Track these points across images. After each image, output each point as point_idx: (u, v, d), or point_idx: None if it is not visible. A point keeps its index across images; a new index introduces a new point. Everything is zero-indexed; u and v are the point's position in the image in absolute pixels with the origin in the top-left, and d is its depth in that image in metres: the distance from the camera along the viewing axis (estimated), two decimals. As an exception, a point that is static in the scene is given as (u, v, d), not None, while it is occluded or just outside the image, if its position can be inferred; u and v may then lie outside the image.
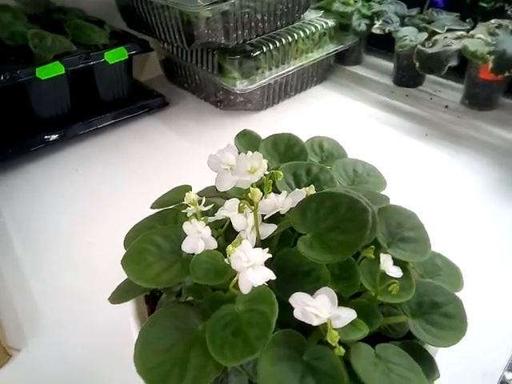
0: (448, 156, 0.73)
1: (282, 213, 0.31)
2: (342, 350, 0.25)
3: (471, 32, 0.77)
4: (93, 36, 0.77)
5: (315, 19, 0.91)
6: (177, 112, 0.89)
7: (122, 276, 0.35)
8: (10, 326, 0.48)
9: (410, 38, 0.84)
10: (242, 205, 0.29)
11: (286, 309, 0.27)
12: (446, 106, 0.86)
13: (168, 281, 0.29)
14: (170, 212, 0.38)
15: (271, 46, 0.81)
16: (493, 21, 0.77)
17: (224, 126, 0.84)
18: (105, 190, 0.68)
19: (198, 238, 0.30)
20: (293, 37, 0.84)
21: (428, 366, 0.29)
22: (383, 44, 1.00)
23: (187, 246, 0.30)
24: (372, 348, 0.28)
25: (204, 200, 0.33)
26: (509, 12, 0.74)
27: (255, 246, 0.29)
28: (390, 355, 0.28)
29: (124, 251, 0.32)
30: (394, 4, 0.93)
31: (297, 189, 0.32)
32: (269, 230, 0.30)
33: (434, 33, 0.82)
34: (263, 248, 0.28)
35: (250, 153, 0.30)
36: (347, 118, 0.85)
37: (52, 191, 0.69)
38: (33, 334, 0.48)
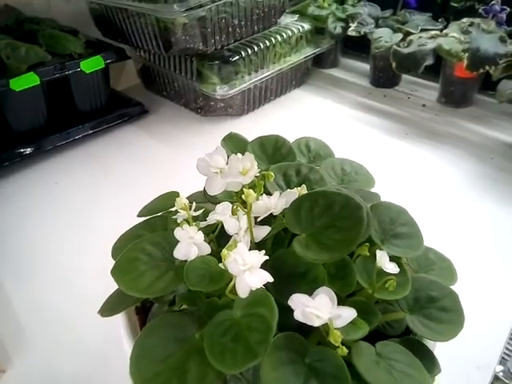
0: (429, 153, 0.74)
1: (274, 214, 0.31)
2: (345, 350, 0.24)
3: (444, 31, 0.79)
4: (67, 45, 0.76)
5: (291, 23, 0.91)
6: (157, 120, 0.88)
7: (108, 289, 0.34)
8: (-8, 347, 0.46)
9: (385, 39, 0.85)
10: (235, 207, 0.29)
11: (284, 311, 0.26)
12: (424, 105, 0.88)
13: (162, 289, 0.28)
14: (158, 219, 0.37)
15: (249, 51, 0.81)
16: (464, 20, 0.79)
17: (206, 132, 0.83)
18: (87, 201, 0.67)
19: (190, 244, 0.29)
20: (270, 41, 0.84)
21: (429, 361, 0.28)
22: (359, 46, 1.02)
23: (180, 253, 0.29)
24: (372, 346, 0.28)
25: (194, 205, 0.32)
26: (480, 10, 0.76)
27: (250, 249, 0.28)
28: (390, 353, 0.27)
29: (110, 263, 0.31)
30: (368, 6, 0.94)
31: (288, 189, 0.32)
32: (263, 232, 0.30)
33: (409, 33, 0.84)
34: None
35: (239, 155, 0.30)
36: (328, 120, 0.85)
37: (32, 205, 0.66)
38: (17, 353, 0.46)
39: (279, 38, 0.85)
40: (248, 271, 0.25)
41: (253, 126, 0.83)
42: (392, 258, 0.31)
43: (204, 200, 0.36)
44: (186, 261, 0.29)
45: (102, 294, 0.34)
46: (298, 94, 0.96)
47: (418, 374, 0.27)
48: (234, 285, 0.27)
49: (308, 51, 0.92)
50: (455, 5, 0.86)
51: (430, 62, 0.77)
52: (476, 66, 0.71)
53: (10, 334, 0.48)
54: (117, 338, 0.33)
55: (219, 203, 0.33)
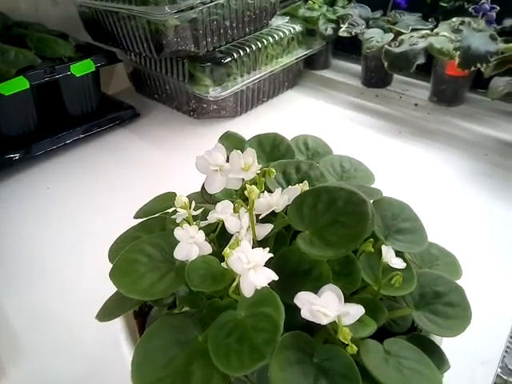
0: (423, 150, 0.74)
1: (276, 211, 0.30)
2: (354, 348, 0.24)
3: (435, 30, 0.80)
4: (57, 49, 0.74)
5: (282, 25, 0.91)
6: (149, 123, 0.87)
7: (105, 293, 0.33)
8: (-14, 358, 0.45)
9: (376, 39, 0.85)
10: (237, 205, 0.28)
11: (289, 310, 0.25)
12: (416, 104, 0.88)
13: (163, 291, 0.27)
14: (155, 221, 0.36)
15: (241, 53, 0.80)
16: (454, 19, 0.79)
17: (199, 134, 0.82)
18: (80, 206, 0.65)
19: (191, 244, 0.28)
20: (262, 43, 0.84)
21: (438, 357, 0.28)
22: (350, 48, 1.02)
23: (180, 253, 0.28)
24: (380, 344, 0.27)
25: (194, 204, 0.31)
26: (470, 9, 0.76)
27: (252, 248, 0.28)
28: (399, 350, 0.27)
29: (107, 266, 0.30)
30: (358, 7, 0.95)
31: (289, 186, 0.31)
32: (265, 229, 0.29)
33: (399, 33, 0.84)
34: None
35: (239, 151, 0.29)
36: (321, 120, 0.85)
37: (23, 211, 0.65)
38: (13, 363, 0.44)
39: (271, 40, 0.85)
40: (252, 270, 0.25)
41: (246, 127, 0.83)
42: (396, 254, 0.31)
43: (202, 200, 0.35)
44: (186, 261, 0.28)
45: (99, 299, 0.33)
46: (290, 96, 0.95)
47: (428, 371, 0.26)
48: (238, 284, 0.26)
49: (300, 52, 0.92)
50: (444, 5, 0.86)
51: (421, 60, 0.77)
52: (468, 63, 0.71)
53: (5, 342, 0.46)
54: (115, 342, 0.32)
55: (218, 202, 0.33)
